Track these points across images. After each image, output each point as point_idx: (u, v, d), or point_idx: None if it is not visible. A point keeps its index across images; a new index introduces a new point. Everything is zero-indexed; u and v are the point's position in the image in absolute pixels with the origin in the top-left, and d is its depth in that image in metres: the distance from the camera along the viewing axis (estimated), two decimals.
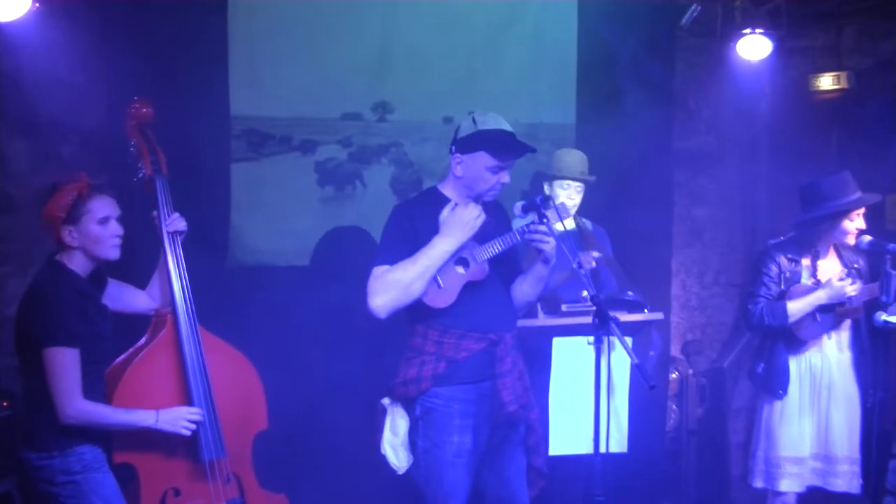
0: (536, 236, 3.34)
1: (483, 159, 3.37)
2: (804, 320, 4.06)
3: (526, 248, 3.51)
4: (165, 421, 3.25)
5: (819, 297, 4.02)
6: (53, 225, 3.20)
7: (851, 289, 4.00)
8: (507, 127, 3.42)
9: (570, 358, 3.79)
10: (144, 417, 3.22)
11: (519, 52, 5.34)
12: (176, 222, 3.45)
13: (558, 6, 5.31)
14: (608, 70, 5.17)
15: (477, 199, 3.45)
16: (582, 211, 4.48)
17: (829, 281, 4.04)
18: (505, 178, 3.41)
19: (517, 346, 3.48)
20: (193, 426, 3.30)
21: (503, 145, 3.37)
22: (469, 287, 3.36)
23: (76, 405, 3.09)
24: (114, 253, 3.26)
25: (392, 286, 3.27)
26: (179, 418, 3.28)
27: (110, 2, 4.28)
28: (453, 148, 3.44)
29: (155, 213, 3.47)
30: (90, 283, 3.28)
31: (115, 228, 3.26)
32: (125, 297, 3.47)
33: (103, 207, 3.24)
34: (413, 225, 3.38)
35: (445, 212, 3.36)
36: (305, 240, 5.08)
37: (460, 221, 3.32)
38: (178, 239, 3.46)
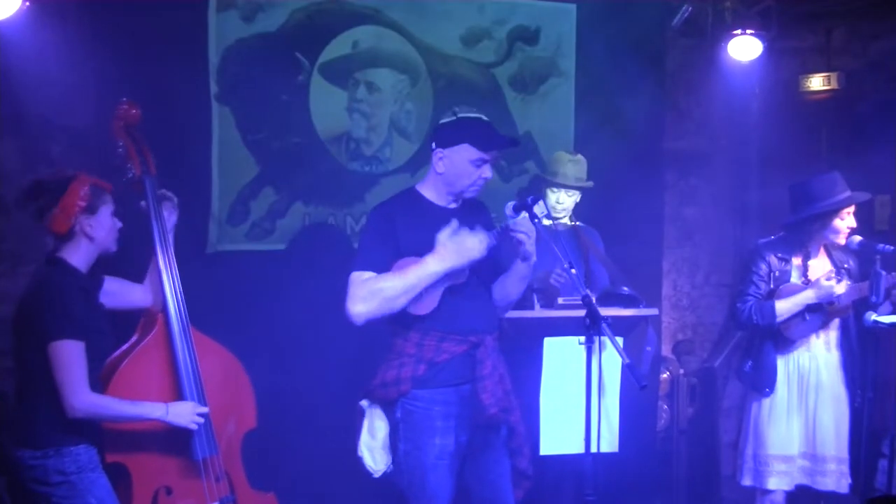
0: (515, 233, 3.30)
1: (466, 152, 3.33)
2: (792, 320, 4.07)
3: (508, 246, 3.48)
4: (176, 414, 3.25)
5: (807, 296, 4.04)
6: (69, 215, 3.19)
7: (839, 287, 4.01)
8: (486, 118, 3.40)
9: (562, 358, 3.80)
10: (152, 410, 3.23)
11: None
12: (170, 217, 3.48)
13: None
14: (601, 70, 5.18)
15: (458, 196, 3.43)
16: (574, 210, 4.49)
17: (816, 280, 4.06)
18: (487, 172, 3.38)
19: (498, 349, 3.46)
20: (202, 420, 3.32)
21: (485, 135, 3.34)
22: (449, 290, 3.33)
23: (84, 397, 3.08)
24: (115, 245, 3.32)
25: (375, 296, 3.25)
26: (190, 413, 3.28)
27: (100, 1, 4.26)
28: (434, 144, 3.41)
29: (143, 203, 3.45)
30: (89, 279, 3.29)
31: (117, 221, 3.32)
32: (124, 293, 3.46)
33: (113, 200, 3.30)
34: (392, 227, 3.34)
35: (446, 232, 3.27)
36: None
37: (461, 247, 3.25)
38: (170, 238, 3.46)
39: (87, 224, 3.21)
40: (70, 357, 3.08)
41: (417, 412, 3.34)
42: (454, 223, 3.30)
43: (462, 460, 3.42)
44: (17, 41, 4.00)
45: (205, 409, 3.34)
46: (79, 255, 3.24)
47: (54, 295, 3.13)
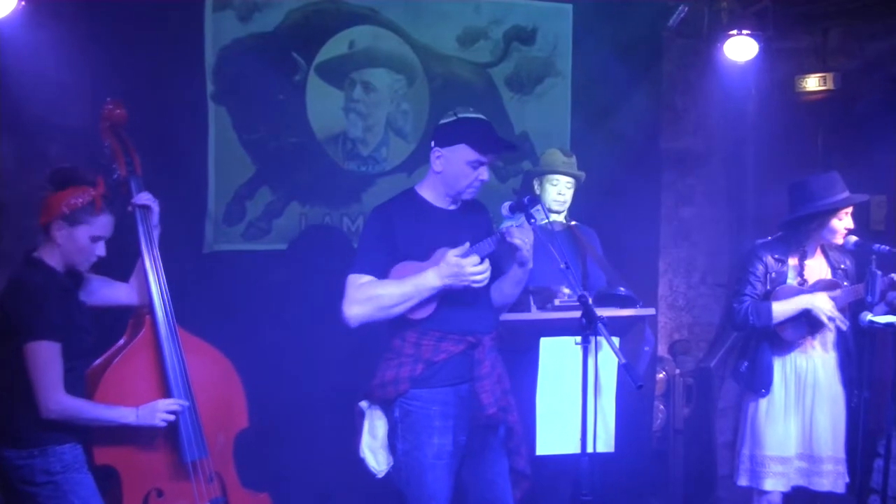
0: (513, 238, 3.31)
1: (463, 153, 3.34)
2: (789, 321, 4.07)
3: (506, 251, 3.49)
4: (143, 416, 3.24)
5: (805, 302, 4.03)
6: (50, 213, 3.19)
7: (833, 319, 4.00)
8: (486, 119, 3.42)
9: (558, 358, 3.79)
10: (125, 414, 3.22)
11: None
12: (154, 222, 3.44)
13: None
14: (597, 70, 5.18)
15: (456, 197, 3.43)
16: (570, 211, 4.50)
17: (819, 292, 4.04)
18: (484, 174, 3.39)
19: (496, 348, 3.47)
20: (172, 417, 3.29)
21: (484, 137, 3.35)
22: (447, 291, 3.32)
23: (57, 399, 3.08)
24: (84, 267, 3.28)
25: (371, 302, 3.27)
26: (156, 411, 3.26)
27: (96, 1, 4.26)
28: (433, 142, 3.42)
29: (130, 207, 3.43)
30: (67, 278, 3.28)
31: (100, 249, 3.26)
32: (105, 290, 3.44)
33: (103, 227, 3.24)
34: (391, 229, 3.35)
35: (456, 252, 3.27)
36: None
37: (464, 273, 3.24)
38: (155, 238, 3.44)
39: (59, 232, 3.19)
40: (44, 358, 3.08)
41: (415, 412, 3.34)
42: (466, 245, 3.30)
43: (461, 461, 3.43)
44: (13, 41, 3.99)
45: (173, 405, 3.30)
46: (53, 257, 3.23)
47: (30, 295, 3.12)
